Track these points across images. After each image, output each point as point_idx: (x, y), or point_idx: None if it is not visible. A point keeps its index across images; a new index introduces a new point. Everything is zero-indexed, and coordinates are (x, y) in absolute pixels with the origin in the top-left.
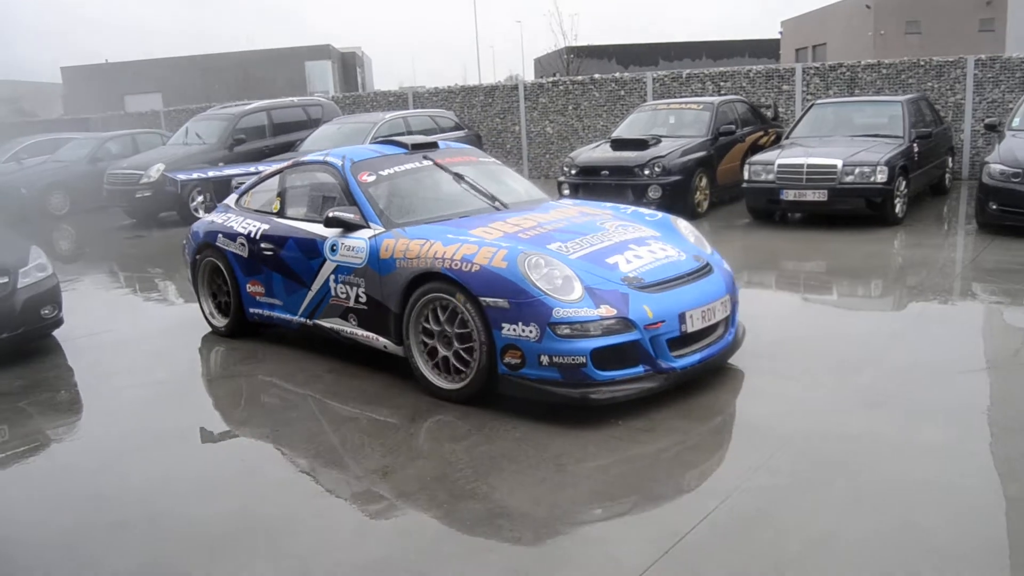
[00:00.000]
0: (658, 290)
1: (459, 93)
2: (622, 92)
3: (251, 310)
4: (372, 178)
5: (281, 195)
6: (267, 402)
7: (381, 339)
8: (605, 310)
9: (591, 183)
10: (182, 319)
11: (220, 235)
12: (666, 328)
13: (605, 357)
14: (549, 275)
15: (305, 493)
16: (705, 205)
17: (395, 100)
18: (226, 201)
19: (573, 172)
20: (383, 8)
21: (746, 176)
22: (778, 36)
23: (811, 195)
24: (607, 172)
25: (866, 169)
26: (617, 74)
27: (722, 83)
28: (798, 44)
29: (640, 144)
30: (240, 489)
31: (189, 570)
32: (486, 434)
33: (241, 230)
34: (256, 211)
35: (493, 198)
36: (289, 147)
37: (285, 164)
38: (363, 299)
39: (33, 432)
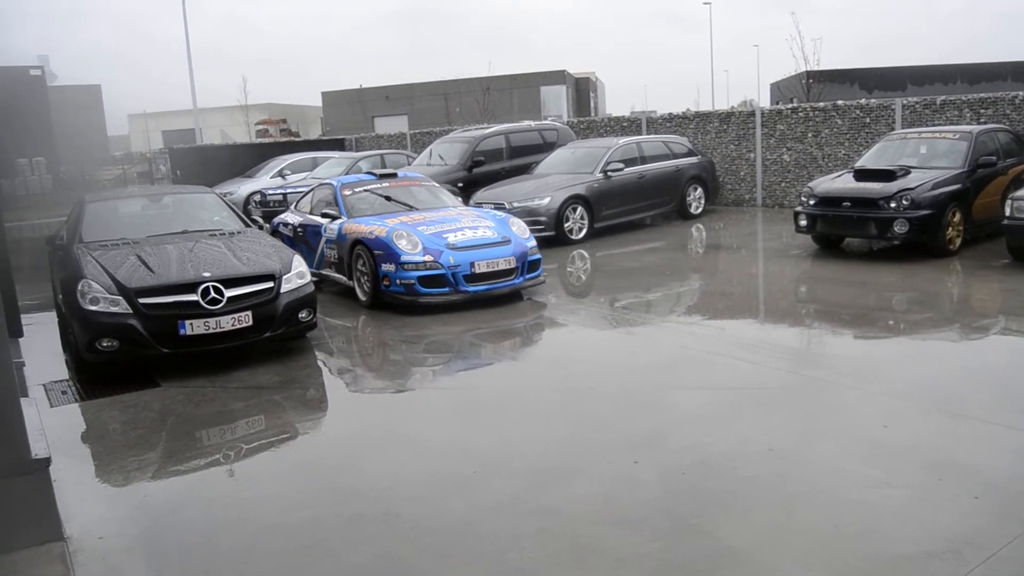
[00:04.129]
0: (463, 250)
1: (693, 119)
2: (867, 119)
3: None
4: (349, 192)
5: (310, 201)
6: (499, 403)
7: (343, 278)
8: (428, 258)
9: (830, 214)
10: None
11: (281, 224)
12: (461, 269)
13: (427, 282)
14: (408, 240)
15: (528, 512)
16: (958, 242)
17: (628, 125)
18: (292, 205)
19: (811, 203)
20: (616, 33)
21: (1007, 213)
22: None
23: None
24: (848, 203)
25: None
26: (863, 100)
27: (982, 110)
28: None
29: (887, 175)
30: (467, 498)
31: (420, 569)
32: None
33: (290, 221)
34: (299, 211)
35: (411, 204)
36: (524, 169)
37: (315, 184)
38: (335, 257)
39: (285, 424)
